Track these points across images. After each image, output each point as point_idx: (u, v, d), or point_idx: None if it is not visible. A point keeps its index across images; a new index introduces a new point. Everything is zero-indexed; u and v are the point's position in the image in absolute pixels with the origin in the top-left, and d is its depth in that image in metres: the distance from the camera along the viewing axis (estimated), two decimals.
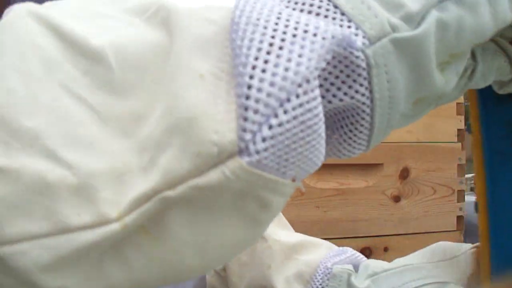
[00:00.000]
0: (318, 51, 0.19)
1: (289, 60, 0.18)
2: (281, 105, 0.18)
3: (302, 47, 0.19)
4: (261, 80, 0.18)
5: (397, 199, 1.14)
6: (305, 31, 0.19)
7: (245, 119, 0.18)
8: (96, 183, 0.18)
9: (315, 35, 0.19)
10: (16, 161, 0.18)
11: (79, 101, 0.20)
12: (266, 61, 0.18)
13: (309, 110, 0.19)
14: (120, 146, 0.19)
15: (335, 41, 0.19)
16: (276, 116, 0.18)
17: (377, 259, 1.13)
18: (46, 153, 0.18)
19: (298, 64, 0.18)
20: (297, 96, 0.18)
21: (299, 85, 0.18)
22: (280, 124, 0.18)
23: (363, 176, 1.14)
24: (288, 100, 0.18)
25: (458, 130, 1.18)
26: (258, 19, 0.19)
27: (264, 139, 0.18)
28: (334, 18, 0.20)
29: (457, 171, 1.18)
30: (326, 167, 1.11)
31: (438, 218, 1.16)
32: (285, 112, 0.18)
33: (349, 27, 0.20)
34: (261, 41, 0.19)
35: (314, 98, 0.19)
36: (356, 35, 0.20)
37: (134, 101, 0.20)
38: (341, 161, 1.12)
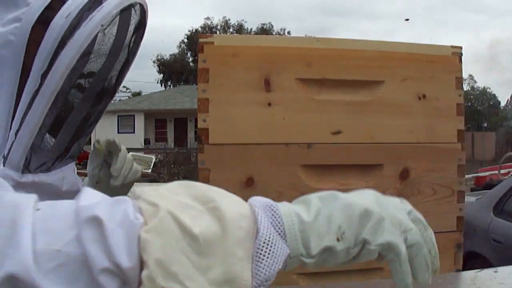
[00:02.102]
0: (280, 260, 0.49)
1: (271, 261, 0.48)
2: (261, 284, 0.47)
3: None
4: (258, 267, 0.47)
5: None
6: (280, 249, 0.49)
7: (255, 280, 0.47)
8: None
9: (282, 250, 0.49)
10: None
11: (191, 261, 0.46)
12: (260, 260, 0.48)
13: None
14: (203, 280, 0.45)
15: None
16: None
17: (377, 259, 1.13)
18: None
19: (272, 267, 0.48)
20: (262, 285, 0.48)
21: (267, 280, 0.47)
22: None
23: (363, 176, 1.14)
24: (266, 281, 0.47)
25: (458, 130, 1.19)
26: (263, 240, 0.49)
27: None
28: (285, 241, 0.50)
29: (457, 171, 1.18)
30: (326, 168, 1.12)
31: (438, 219, 1.16)
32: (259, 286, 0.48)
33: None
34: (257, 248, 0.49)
35: None
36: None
37: (208, 261, 0.46)
38: (341, 162, 1.12)
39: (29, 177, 0.71)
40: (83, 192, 0.50)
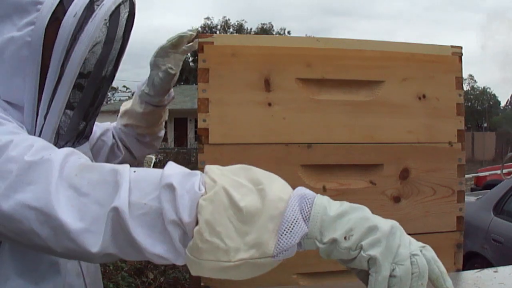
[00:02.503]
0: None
1: (290, 236, 0.61)
2: (281, 252, 0.62)
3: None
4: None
5: (397, 199, 1.14)
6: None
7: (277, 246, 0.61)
8: None
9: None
10: None
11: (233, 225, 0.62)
12: (282, 235, 0.62)
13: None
14: (240, 242, 0.60)
15: None
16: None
17: None
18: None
19: (290, 240, 0.62)
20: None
21: (285, 250, 0.62)
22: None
23: (363, 176, 1.14)
24: (285, 250, 0.62)
25: (458, 130, 1.19)
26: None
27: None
28: None
29: (457, 171, 1.18)
30: (326, 167, 1.12)
31: (438, 219, 1.16)
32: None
33: None
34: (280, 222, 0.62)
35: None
36: None
37: (247, 228, 0.61)
38: (341, 161, 1.12)
39: None
40: (168, 165, 0.66)
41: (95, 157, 1.19)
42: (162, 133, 1.34)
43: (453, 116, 1.18)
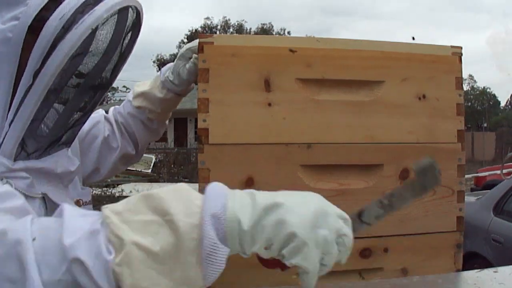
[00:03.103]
0: None
1: (216, 264, 0.60)
2: (211, 282, 0.60)
3: None
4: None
5: None
6: None
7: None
8: None
9: None
10: None
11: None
12: (207, 264, 0.60)
13: None
14: (168, 281, 0.59)
15: None
16: None
17: (377, 259, 1.14)
18: None
19: (217, 268, 0.60)
20: None
21: (214, 278, 0.61)
22: None
23: (363, 176, 1.14)
24: (213, 279, 0.60)
25: (458, 130, 1.18)
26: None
27: None
28: None
29: (457, 171, 1.18)
30: (326, 168, 1.12)
31: (438, 218, 1.16)
32: None
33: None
34: None
35: None
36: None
37: (169, 267, 0.59)
38: (341, 162, 1.12)
39: (20, 164, 0.78)
40: (65, 216, 0.61)
41: (85, 153, 1.14)
42: (167, 122, 1.31)
43: (453, 116, 1.18)
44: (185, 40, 33.18)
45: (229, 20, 34.04)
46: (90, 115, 0.91)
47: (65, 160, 0.88)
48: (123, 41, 0.85)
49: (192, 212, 0.60)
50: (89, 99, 0.87)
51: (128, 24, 0.84)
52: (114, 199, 5.10)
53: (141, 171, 10.14)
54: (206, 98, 1.06)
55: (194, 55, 1.14)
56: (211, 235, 0.59)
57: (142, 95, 1.21)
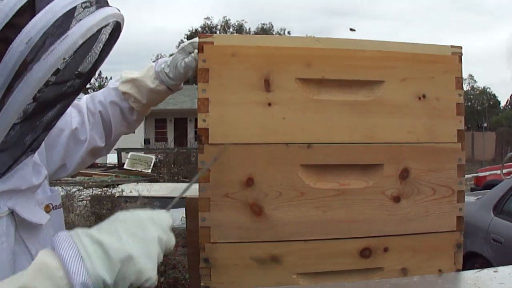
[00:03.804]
0: None
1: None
2: None
3: None
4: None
5: (397, 199, 1.14)
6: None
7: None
8: None
9: None
10: None
11: None
12: None
13: None
14: None
15: None
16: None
17: (377, 259, 1.14)
18: None
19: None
20: None
21: None
22: None
23: (363, 176, 1.14)
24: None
25: (458, 130, 1.18)
26: None
27: None
28: None
29: (457, 171, 1.18)
30: (326, 168, 1.12)
31: (438, 218, 1.16)
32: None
33: None
34: None
35: None
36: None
37: None
38: (341, 162, 1.12)
39: None
40: None
41: (51, 148, 1.04)
42: (143, 120, 1.26)
43: (453, 116, 1.18)
44: (185, 40, 33.09)
45: (229, 20, 34.05)
46: (57, 120, 0.81)
47: (29, 173, 0.83)
48: (99, 56, 0.78)
49: None
50: (57, 112, 0.78)
51: (106, 39, 0.76)
52: (114, 199, 5.10)
53: (141, 171, 10.14)
54: (206, 98, 1.07)
55: (196, 50, 1.13)
56: None
57: (131, 81, 1.17)
